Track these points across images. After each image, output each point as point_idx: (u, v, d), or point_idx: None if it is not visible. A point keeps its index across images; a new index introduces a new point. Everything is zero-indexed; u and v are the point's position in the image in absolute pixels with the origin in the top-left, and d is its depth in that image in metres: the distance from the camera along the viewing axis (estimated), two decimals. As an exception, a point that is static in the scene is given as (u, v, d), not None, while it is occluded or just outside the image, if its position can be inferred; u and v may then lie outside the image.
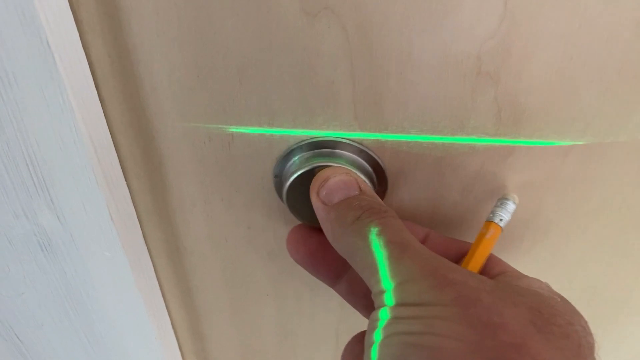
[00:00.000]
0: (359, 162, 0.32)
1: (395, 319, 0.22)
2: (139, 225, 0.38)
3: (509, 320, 0.21)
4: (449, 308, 0.21)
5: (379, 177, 0.33)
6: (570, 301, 0.25)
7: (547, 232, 0.37)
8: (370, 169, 0.32)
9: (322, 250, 0.33)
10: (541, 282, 0.27)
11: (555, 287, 0.26)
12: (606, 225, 0.37)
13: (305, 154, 0.32)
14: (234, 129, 0.32)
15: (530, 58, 0.28)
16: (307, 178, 0.31)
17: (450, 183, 0.34)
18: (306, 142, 0.32)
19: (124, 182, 0.35)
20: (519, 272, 0.28)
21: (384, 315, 0.23)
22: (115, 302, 0.40)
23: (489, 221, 0.32)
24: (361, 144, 0.32)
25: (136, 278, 0.38)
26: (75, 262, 0.37)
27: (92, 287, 0.39)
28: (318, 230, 0.32)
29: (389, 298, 0.23)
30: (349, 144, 0.32)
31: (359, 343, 0.30)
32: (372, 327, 0.23)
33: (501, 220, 0.31)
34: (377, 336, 0.23)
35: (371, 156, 0.32)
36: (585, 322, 0.24)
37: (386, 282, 0.23)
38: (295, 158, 0.32)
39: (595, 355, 0.23)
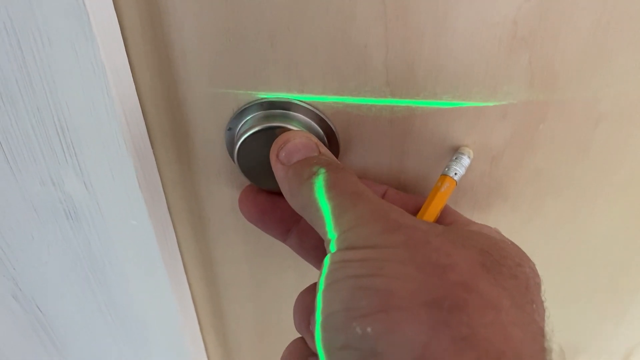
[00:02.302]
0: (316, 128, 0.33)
1: (343, 262, 0.23)
2: (164, 196, 0.38)
3: (457, 261, 0.21)
4: (398, 250, 0.22)
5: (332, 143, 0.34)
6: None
7: (575, 203, 0.37)
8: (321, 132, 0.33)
9: (271, 207, 0.34)
10: (491, 228, 0.28)
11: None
12: (635, 199, 0.37)
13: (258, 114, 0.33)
14: (262, 95, 0.32)
15: (566, 22, 0.28)
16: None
17: (480, 150, 0.33)
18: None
19: (151, 150, 0.35)
20: (471, 220, 0.29)
21: (334, 259, 0.23)
22: (139, 273, 0.40)
23: (444, 175, 0.32)
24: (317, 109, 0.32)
25: (161, 249, 0.38)
26: (100, 231, 0.37)
27: (116, 257, 0.39)
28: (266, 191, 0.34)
29: (340, 242, 0.23)
30: (302, 106, 0.32)
31: (310, 293, 0.30)
32: (322, 273, 0.24)
33: (456, 174, 0.32)
34: (326, 281, 0.23)
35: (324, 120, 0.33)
36: (533, 265, 0.24)
37: (337, 228, 0.24)
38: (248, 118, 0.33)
39: (542, 295, 0.23)
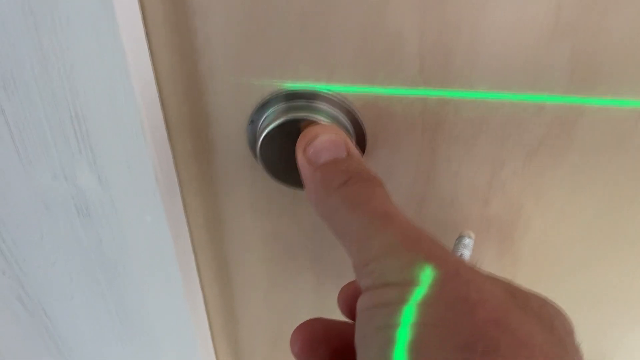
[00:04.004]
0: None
1: (372, 309, 0.21)
2: (179, 191, 0.36)
3: (488, 297, 0.20)
4: (427, 288, 0.21)
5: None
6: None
7: (611, 201, 0.35)
8: None
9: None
10: None
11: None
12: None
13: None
14: (288, 86, 0.30)
15: (612, 12, 0.27)
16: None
17: (514, 146, 0.32)
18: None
19: (168, 144, 0.33)
20: None
21: (362, 305, 0.22)
22: (151, 274, 0.38)
23: None
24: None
25: (176, 248, 0.36)
26: (113, 229, 0.35)
27: (128, 256, 0.37)
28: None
29: (367, 275, 0.22)
30: (329, 97, 0.31)
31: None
32: (362, 318, 0.22)
33: (461, 255, 0.34)
34: (357, 335, 0.22)
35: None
36: (560, 308, 0.23)
37: (364, 254, 0.22)
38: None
39: (574, 338, 0.22)
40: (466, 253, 0.35)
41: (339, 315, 0.29)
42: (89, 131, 0.30)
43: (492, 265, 0.39)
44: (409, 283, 0.21)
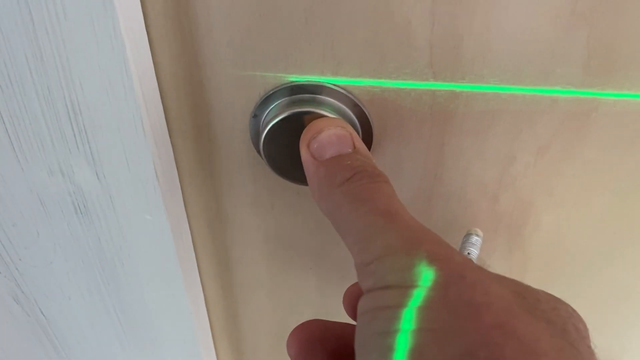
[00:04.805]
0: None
1: (372, 311, 0.20)
2: (180, 188, 0.35)
3: (493, 300, 0.19)
4: (429, 291, 0.20)
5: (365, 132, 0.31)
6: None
7: (625, 197, 0.34)
8: None
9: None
10: None
11: None
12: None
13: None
14: (293, 79, 0.29)
15: (630, 1, 0.26)
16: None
17: (526, 141, 0.31)
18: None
19: (169, 139, 0.32)
20: None
21: (362, 308, 0.21)
22: (151, 274, 0.37)
23: None
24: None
25: (177, 246, 0.35)
26: (112, 227, 0.34)
27: (127, 255, 0.36)
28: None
29: (368, 276, 0.21)
30: (336, 90, 0.30)
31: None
32: (361, 322, 0.21)
33: (469, 254, 0.33)
34: (357, 340, 0.21)
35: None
36: (573, 310, 0.22)
37: (366, 253, 0.22)
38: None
39: (588, 342, 0.21)
40: (474, 252, 0.34)
41: (343, 315, 0.28)
42: (86, 125, 0.29)
43: (501, 263, 0.38)
44: (411, 286, 0.20)
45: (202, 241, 0.39)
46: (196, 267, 0.40)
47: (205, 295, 0.43)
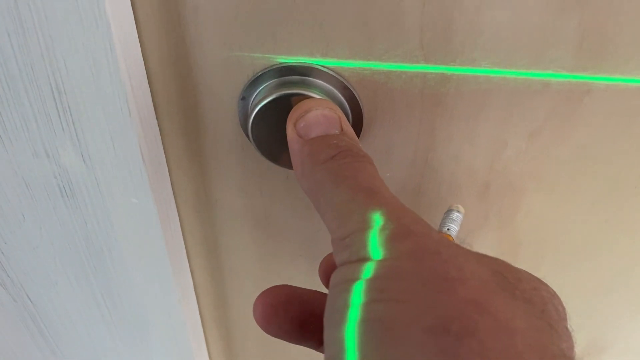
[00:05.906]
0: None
1: (344, 283, 0.20)
2: (167, 172, 0.34)
3: (469, 276, 0.19)
4: (403, 262, 0.19)
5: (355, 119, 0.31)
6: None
7: (616, 183, 0.34)
8: None
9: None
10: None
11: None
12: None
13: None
14: (282, 60, 0.29)
15: (623, -21, 0.25)
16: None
17: (517, 125, 0.31)
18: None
19: (155, 121, 0.32)
20: None
21: (335, 279, 0.21)
22: (138, 259, 0.37)
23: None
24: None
25: (164, 231, 0.35)
26: (98, 211, 0.34)
27: (115, 239, 0.36)
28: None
29: (342, 249, 0.21)
30: (325, 72, 0.29)
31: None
32: (332, 294, 0.21)
33: (448, 230, 0.33)
34: (328, 310, 0.20)
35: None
36: (554, 292, 0.22)
37: (342, 229, 0.21)
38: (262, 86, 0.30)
39: (567, 323, 0.21)
40: (453, 227, 0.33)
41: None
42: (71, 105, 0.29)
43: (492, 250, 0.38)
44: (384, 259, 0.19)
45: (190, 225, 0.38)
46: (184, 252, 0.40)
47: (194, 280, 0.43)
